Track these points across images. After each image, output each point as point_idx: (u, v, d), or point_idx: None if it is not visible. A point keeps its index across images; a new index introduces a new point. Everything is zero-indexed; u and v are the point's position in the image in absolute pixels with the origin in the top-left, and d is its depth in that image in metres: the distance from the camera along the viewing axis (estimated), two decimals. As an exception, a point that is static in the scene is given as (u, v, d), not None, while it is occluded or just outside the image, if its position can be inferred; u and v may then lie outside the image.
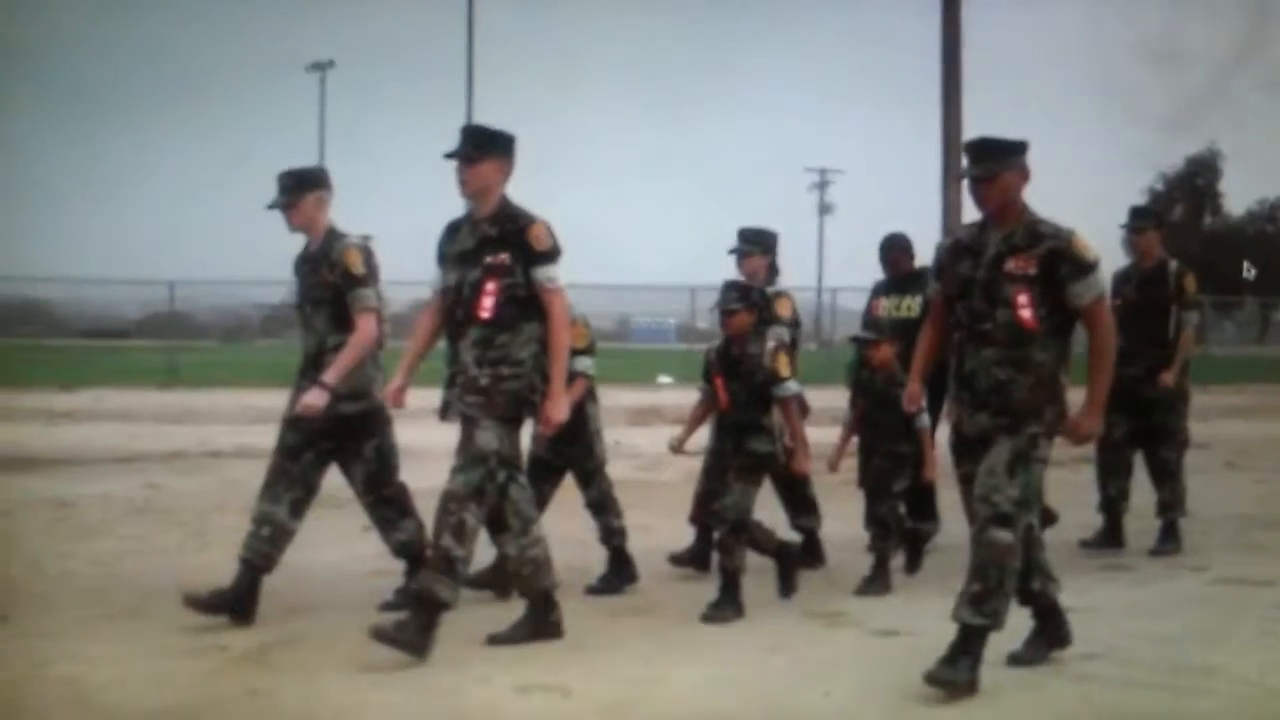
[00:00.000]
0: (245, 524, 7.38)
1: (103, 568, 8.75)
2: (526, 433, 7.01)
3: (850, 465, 8.56)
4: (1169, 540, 9.65)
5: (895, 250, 9.64)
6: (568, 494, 8.41)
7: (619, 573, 8.25)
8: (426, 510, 7.10)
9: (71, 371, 28.85)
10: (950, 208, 22.20)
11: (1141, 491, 9.86)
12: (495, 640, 6.79)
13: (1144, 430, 9.73)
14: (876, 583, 8.15)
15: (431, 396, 6.96)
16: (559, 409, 6.77)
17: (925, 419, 8.18)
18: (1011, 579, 6.07)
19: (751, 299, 7.82)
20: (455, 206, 7.07)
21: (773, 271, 8.99)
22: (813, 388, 8.75)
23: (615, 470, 8.73)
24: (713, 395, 7.86)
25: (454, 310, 6.83)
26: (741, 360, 7.70)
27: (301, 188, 7.41)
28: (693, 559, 8.67)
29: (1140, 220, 9.99)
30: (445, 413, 6.87)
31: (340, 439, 7.39)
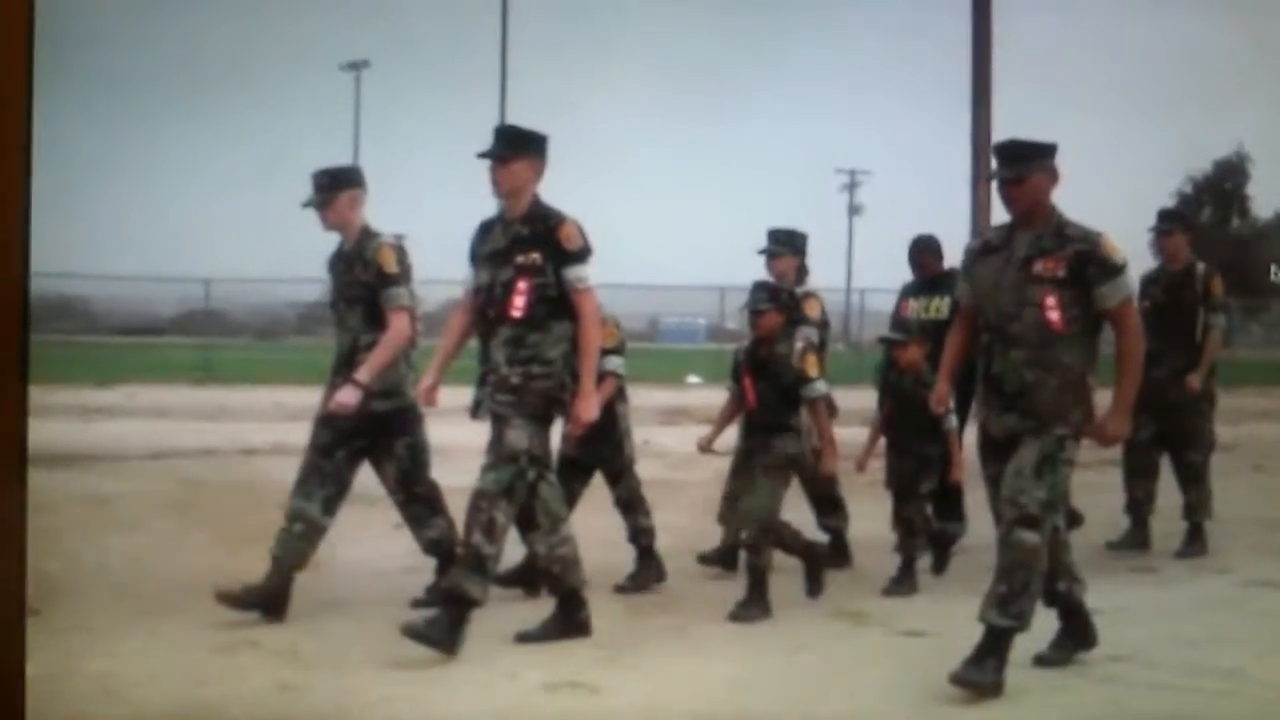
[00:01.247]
0: (278, 521, 7.43)
1: (136, 563, 8.80)
2: (556, 431, 7.05)
3: (877, 466, 8.57)
4: (1194, 543, 9.64)
5: (924, 252, 9.64)
6: (597, 492, 8.45)
7: (647, 571, 8.28)
8: (457, 508, 7.12)
9: (106, 368, 28.89)
10: (979, 209, 22.08)
11: (1168, 494, 9.84)
12: (524, 638, 6.83)
13: (1170, 433, 9.72)
14: (903, 583, 8.17)
15: (463, 395, 6.99)
16: (589, 408, 6.81)
17: (953, 420, 8.18)
18: (1038, 580, 6.08)
19: (780, 300, 7.85)
20: (488, 206, 7.10)
21: (802, 272, 9.00)
22: (841, 388, 8.76)
23: (644, 469, 8.75)
24: (741, 395, 7.88)
25: (486, 309, 6.87)
26: (770, 361, 7.73)
27: (336, 187, 7.46)
28: (720, 558, 8.68)
29: (1168, 223, 9.98)
30: (476, 411, 6.91)
31: (373, 436, 7.44)
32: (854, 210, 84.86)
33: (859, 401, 10.75)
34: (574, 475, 8.13)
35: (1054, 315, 6.10)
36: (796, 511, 8.46)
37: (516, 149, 6.86)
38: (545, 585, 7.17)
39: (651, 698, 5.96)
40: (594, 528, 8.26)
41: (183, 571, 8.43)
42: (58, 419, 18.60)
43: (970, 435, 6.91)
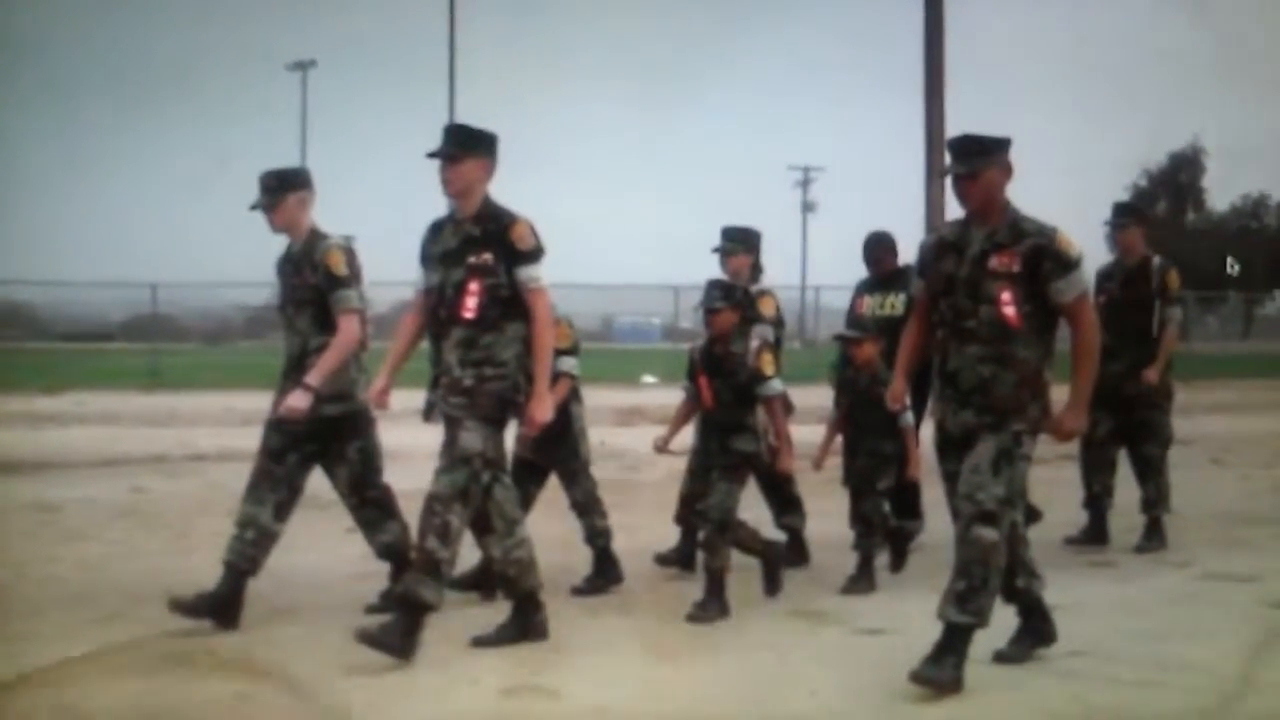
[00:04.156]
0: (229, 527, 7.36)
1: (87, 571, 8.72)
2: (511, 433, 7.00)
3: (834, 464, 8.55)
4: (1153, 537, 9.66)
5: (879, 248, 9.63)
6: (552, 494, 8.41)
7: (604, 573, 8.25)
8: (411, 512, 7.08)
9: (54, 375, 28.76)
10: (934, 205, 22.16)
11: (1126, 488, 9.87)
12: (480, 642, 6.78)
13: (1128, 427, 9.75)
14: (861, 581, 8.15)
15: (415, 398, 6.95)
16: (543, 409, 6.75)
17: (909, 417, 8.17)
18: (996, 577, 6.07)
19: (735, 298, 7.82)
20: (438, 206, 7.07)
21: (756, 270, 8.98)
22: (797, 386, 8.74)
23: (600, 470, 8.72)
24: (697, 394, 7.85)
25: (437, 311, 6.81)
26: (725, 359, 7.70)
27: (283, 188, 7.39)
28: (678, 559, 8.66)
29: (1123, 217, 10.00)
30: (429, 414, 6.87)
31: (324, 441, 7.38)
32: (807, 207, 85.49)
33: (815, 399, 10.75)
34: (529, 477, 8.10)
35: (1010, 310, 6.09)
36: (754, 510, 8.44)
37: (466, 148, 6.81)
38: (501, 589, 7.12)
39: (610, 701, 5.92)
40: (550, 530, 8.25)
41: (134, 579, 8.37)
42: (6, 426, 18.51)
43: (927, 432, 6.89)
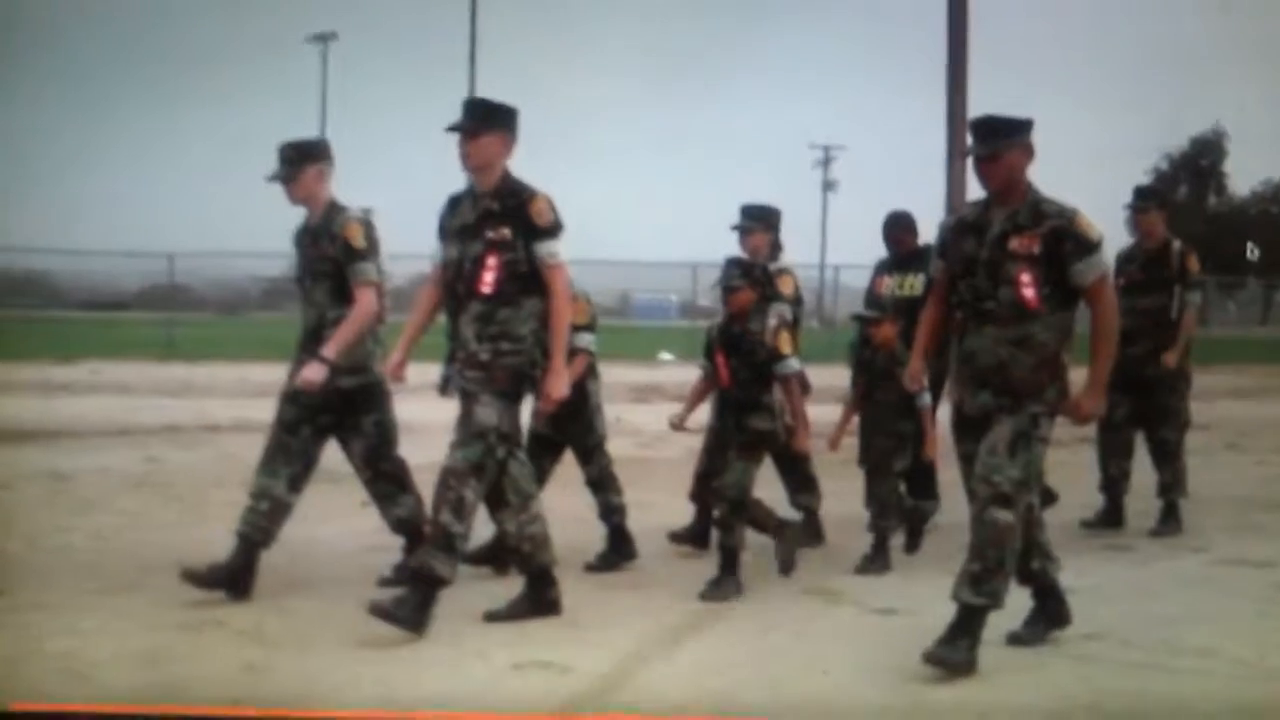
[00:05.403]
0: (243, 498, 7.35)
1: (100, 541, 8.73)
2: (526, 408, 6.99)
3: (851, 444, 8.53)
4: (1169, 521, 9.63)
5: (898, 228, 9.59)
6: (567, 470, 8.39)
7: (618, 550, 8.23)
8: (425, 486, 7.07)
9: (69, 344, 28.76)
10: (955, 186, 22.14)
11: (1142, 472, 9.84)
12: (493, 617, 6.78)
13: (1145, 411, 9.71)
14: (876, 561, 8.13)
15: (431, 371, 6.93)
16: (559, 385, 6.74)
17: (926, 398, 8.14)
18: (1011, 559, 6.05)
19: (754, 276, 7.80)
20: (457, 180, 7.02)
21: (775, 248, 8.95)
22: (814, 365, 8.71)
23: (615, 447, 8.70)
24: (714, 372, 7.83)
25: (454, 285, 6.79)
26: (743, 337, 7.68)
27: (302, 160, 7.37)
28: (692, 537, 8.65)
29: (1144, 200, 9.94)
30: (445, 388, 6.85)
31: (339, 413, 7.36)
32: (828, 186, 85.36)
33: (832, 379, 10.71)
34: (544, 453, 8.08)
35: (1029, 292, 6.06)
36: (769, 489, 8.42)
37: (486, 122, 6.78)
38: (514, 564, 7.11)
39: (622, 677, 5.91)
40: (564, 506, 8.23)
41: (146, 550, 8.37)
42: (20, 395, 18.53)
43: (944, 413, 6.86)
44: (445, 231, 6.90)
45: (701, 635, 6.64)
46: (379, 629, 6.35)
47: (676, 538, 8.68)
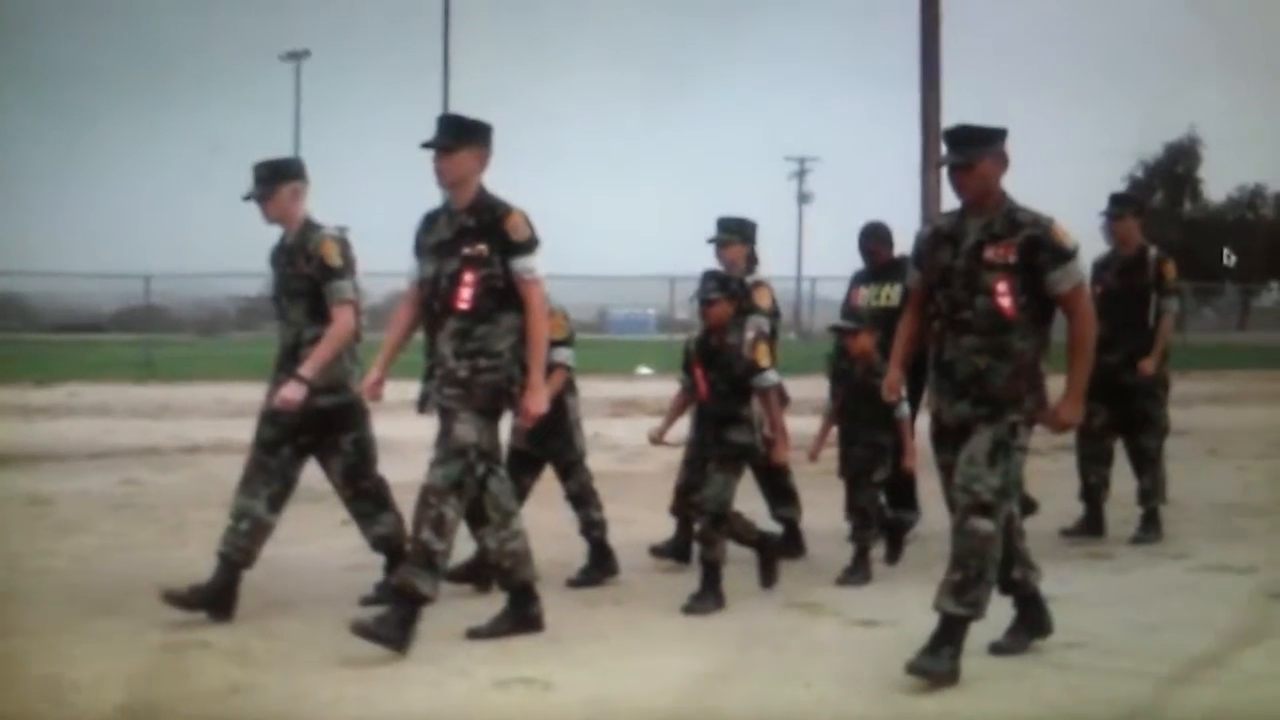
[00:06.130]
0: (224, 519, 7.33)
1: (81, 564, 8.70)
2: (505, 425, 6.98)
3: (830, 455, 8.54)
4: (1150, 528, 9.65)
5: (874, 239, 9.61)
6: (547, 486, 8.38)
7: (600, 565, 8.23)
8: (406, 504, 7.05)
9: (47, 366, 28.71)
10: (929, 196, 22.16)
11: (1122, 479, 9.87)
12: (476, 634, 6.76)
13: (1124, 418, 9.73)
14: (857, 573, 8.14)
15: (409, 389, 6.93)
16: (538, 401, 6.73)
17: (905, 408, 8.16)
18: (992, 568, 6.06)
19: (731, 289, 7.81)
20: (432, 197, 7.03)
21: (752, 261, 8.96)
22: (792, 378, 8.74)
23: (595, 462, 8.71)
24: (692, 386, 7.84)
25: (431, 302, 6.78)
26: (721, 350, 7.68)
27: (277, 179, 7.36)
28: (673, 551, 8.65)
29: (1120, 207, 9.98)
30: (423, 405, 6.84)
31: (318, 432, 7.35)
32: (803, 198, 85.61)
33: (811, 391, 10.76)
34: (524, 469, 8.07)
35: (1005, 301, 6.08)
36: (750, 502, 8.42)
37: (460, 138, 6.78)
38: (496, 580, 7.10)
39: (605, 693, 5.91)
40: (545, 521, 8.23)
41: (128, 572, 8.34)
42: (-2, 419, 18.44)
43: (923, 423, 6.87)
44: (421, 248, 6.89)
45: (684, 649, 6.63)
46: (361, 647, 6.33)
47: (658, 552, 8.68)
